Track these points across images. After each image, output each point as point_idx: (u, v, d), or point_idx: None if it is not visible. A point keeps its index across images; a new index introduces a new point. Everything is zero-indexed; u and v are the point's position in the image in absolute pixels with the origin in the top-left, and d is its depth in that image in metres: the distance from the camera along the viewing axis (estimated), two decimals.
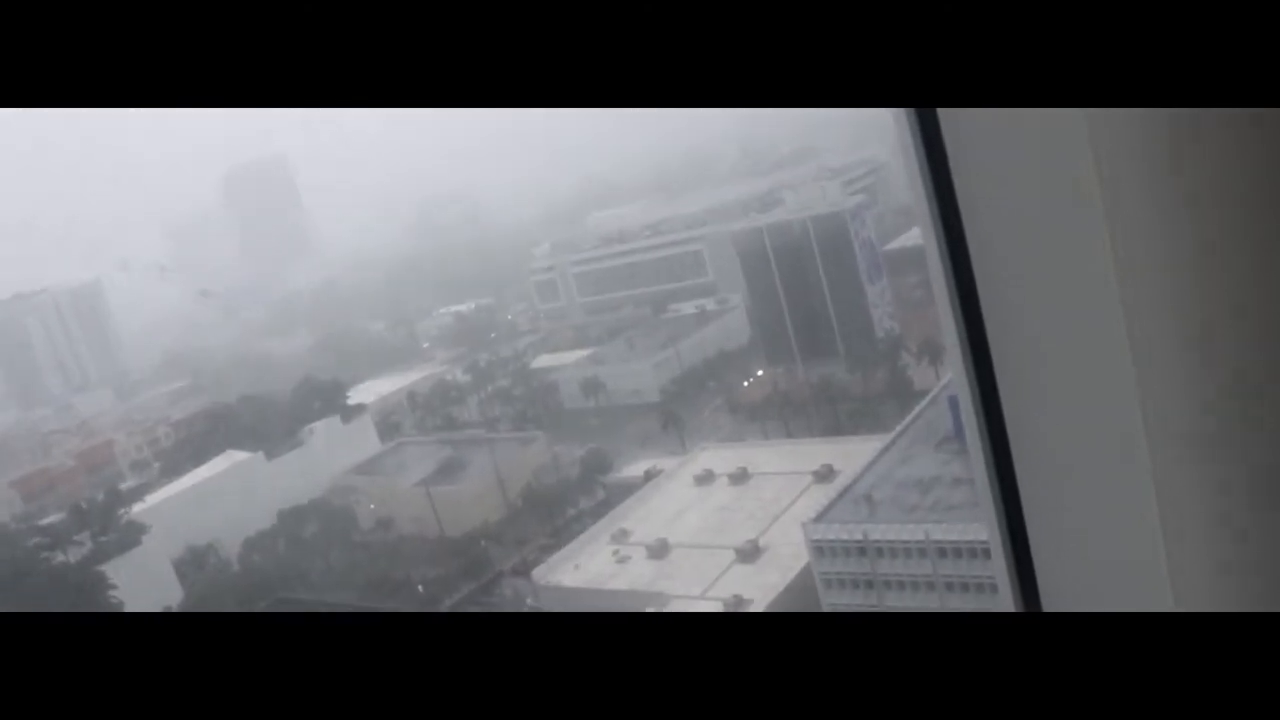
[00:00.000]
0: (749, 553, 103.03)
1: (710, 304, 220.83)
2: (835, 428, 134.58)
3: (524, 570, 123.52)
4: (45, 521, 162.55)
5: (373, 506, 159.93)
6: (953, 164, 3.85)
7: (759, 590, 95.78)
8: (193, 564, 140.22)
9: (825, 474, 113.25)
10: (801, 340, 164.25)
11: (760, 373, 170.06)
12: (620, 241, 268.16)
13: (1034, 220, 3.58)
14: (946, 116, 3.84)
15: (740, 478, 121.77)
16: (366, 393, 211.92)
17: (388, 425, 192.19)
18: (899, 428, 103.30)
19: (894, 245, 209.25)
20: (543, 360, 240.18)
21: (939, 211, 4.19)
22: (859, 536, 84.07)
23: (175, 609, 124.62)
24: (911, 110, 4.10)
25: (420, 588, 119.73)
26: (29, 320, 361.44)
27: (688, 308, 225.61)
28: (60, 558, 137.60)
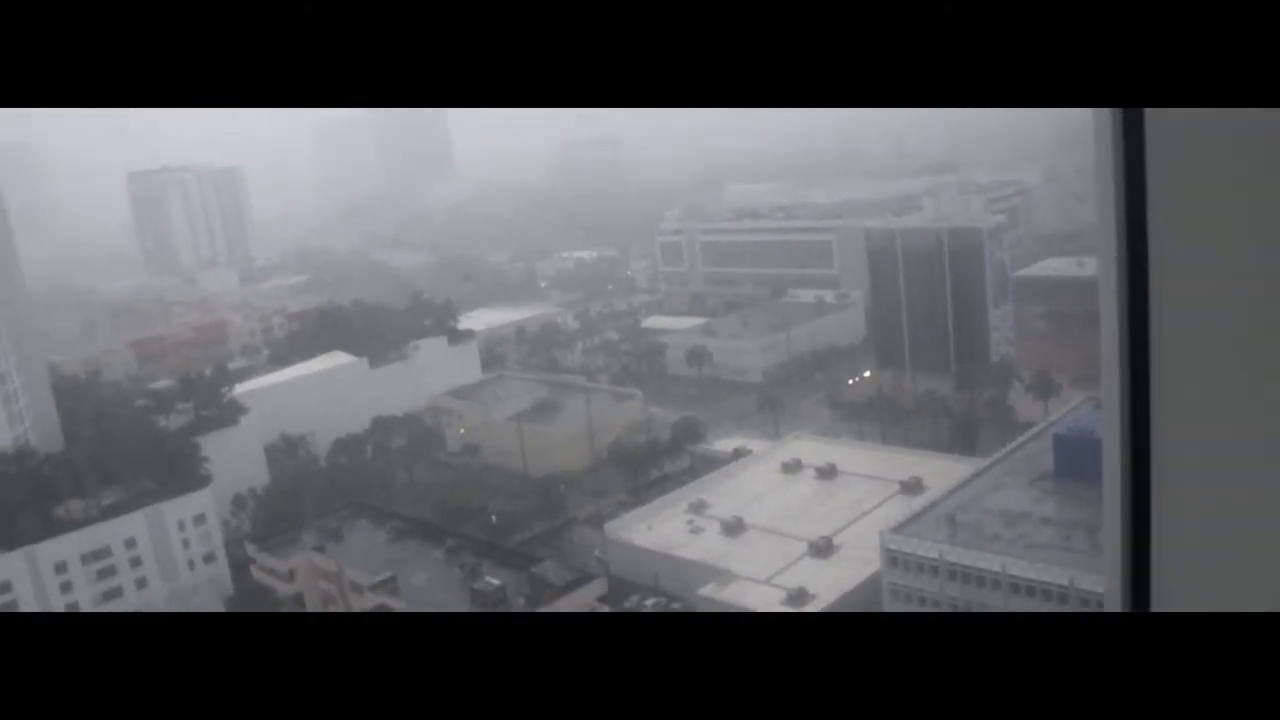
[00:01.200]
0: (822, 548, 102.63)
1: (830, 296, 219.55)
2: (932, 442, 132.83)
3: (597, 521, 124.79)
4: (155, 385, 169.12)
5: (463, 431, 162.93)
6: (1150, 178, 3.39)
7: (824, 586, 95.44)
8: (284, 452, 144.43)
9: (913, 486, 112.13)
10: (915, 349, 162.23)
11: (867, 373, 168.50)
12: (752, 218, 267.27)
13: (1232, 250, 3.14)
14: (1154, 122, 3.43)
15: (827, 473, 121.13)
16: (476, 320, 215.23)
17: (491, 356, 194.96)
18: (996, 455, 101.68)
19: (1025, 272, 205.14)
20: (654, 321, 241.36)
21: (1124, 228, 3.57)
22: (935, 555, 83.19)
23: (259, 492, 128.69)
24: (1117, 112, 3.71)
25: (494, 518, 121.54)
26: (171, 193, 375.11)
27: (807, 296, 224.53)
28: (163, 422, 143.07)
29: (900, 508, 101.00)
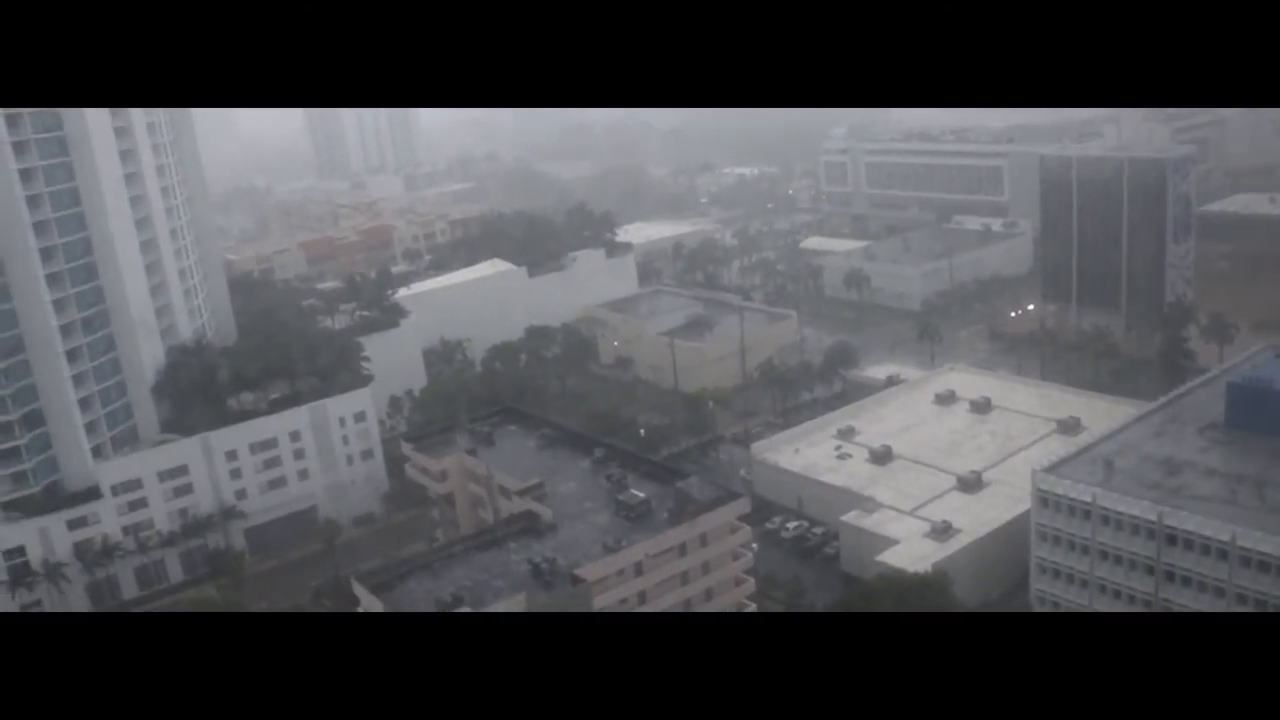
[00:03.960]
0: (970, 483, 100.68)
1: (998, 225, 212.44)
2: (1093, 382, 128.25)
3: (744, 440, 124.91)
4: (322, 285, 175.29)
5: (616, 344, 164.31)
6: None
7: (970, 521, 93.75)
8: (441, 356, 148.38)
9: (1070, 426, 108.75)
10: (1083, 284, 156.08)
11: (1031, 307, 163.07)
12: (920, 140, 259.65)
13: None
14: None
15: (982, 406, 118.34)
16: (635, 234, 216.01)
17: (649, 270, 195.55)
18: (1163, 399, 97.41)
19: (1212, 208, 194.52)
20: (813, 242, 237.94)
21: None
22: (1088, 499, 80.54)
23: (416, 393, 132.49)
24: None
25: (642, 431, 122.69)
26: None
27: (973, 223, 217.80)
28: (328, 321, 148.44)
29: (1056, 447, 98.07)
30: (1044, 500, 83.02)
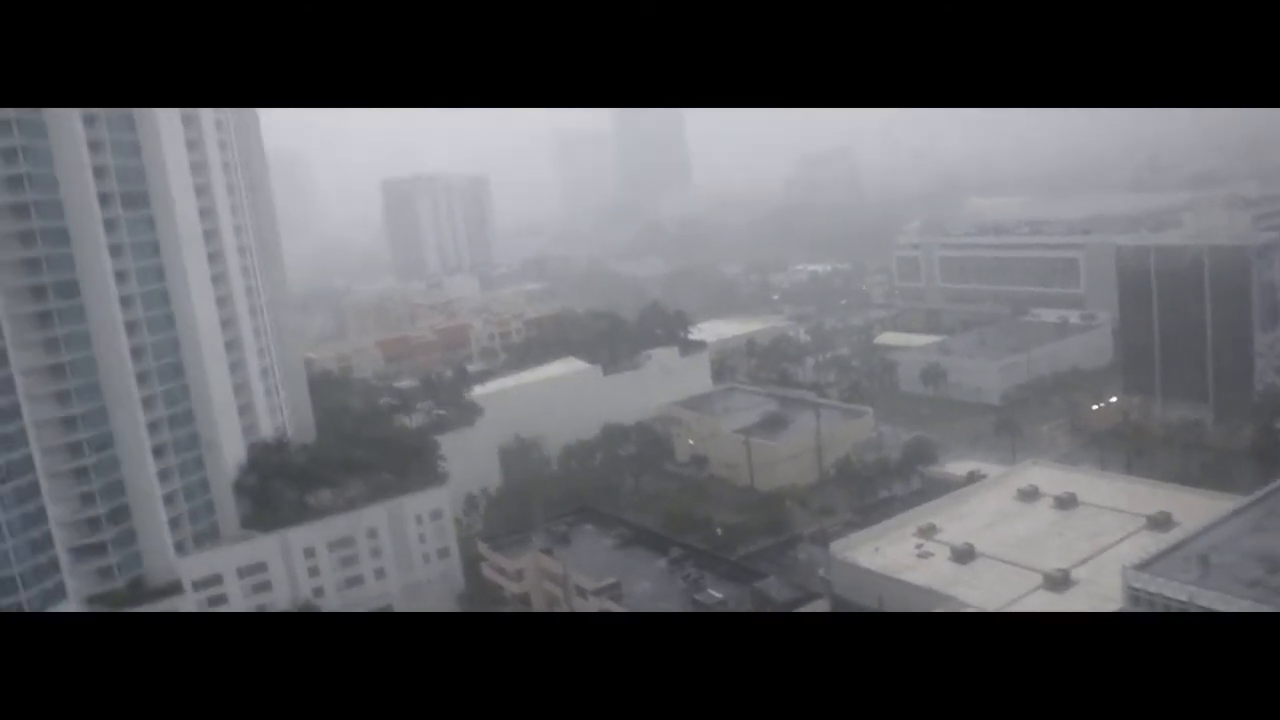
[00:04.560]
0: (1058, 581, 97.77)
1: (1075, 316, 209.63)
2: (1182, 476, 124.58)
3: (823, 539, 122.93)
4: (399, 384, 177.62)
5: (691, 442, 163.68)
6: None
7: None
8: (516, 454, 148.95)
9: (1161, 521, 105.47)
10: (1168, 375, 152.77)
11: (1114, 399, 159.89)
12: (995, 233, 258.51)
13: None
14: None
15: (1067, 502, 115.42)
16: (709, 331, 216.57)
17: (723, 367, 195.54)
18: (1259, 493, 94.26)
19: None
20: (888, 337, 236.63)
21: None
22: (1183, 598, 77.76)
23: (491, 492, 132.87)
24: None
25: (718, 530, 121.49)
26: (421, 201, 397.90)
27: (1050, 315, 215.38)
28: (405, 420, 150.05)
29: (1147, 544, 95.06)
30: (1136, 599, 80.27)
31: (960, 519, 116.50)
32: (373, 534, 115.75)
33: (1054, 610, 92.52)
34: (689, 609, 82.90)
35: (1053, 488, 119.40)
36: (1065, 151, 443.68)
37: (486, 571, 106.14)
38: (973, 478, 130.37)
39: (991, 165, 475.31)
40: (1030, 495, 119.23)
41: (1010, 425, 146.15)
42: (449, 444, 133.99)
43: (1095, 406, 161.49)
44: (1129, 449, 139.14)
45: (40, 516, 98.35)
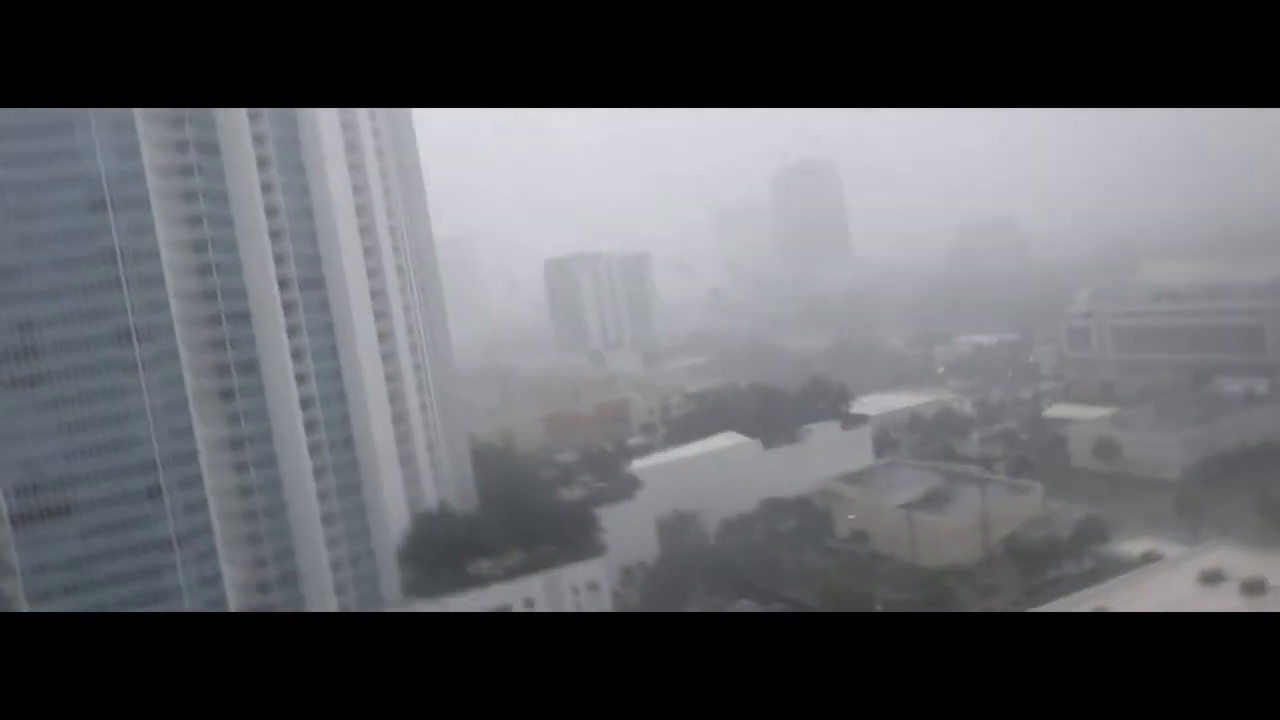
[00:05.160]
0: None
1: (1262, 386, 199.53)
2: None
3: None
4: (560, 458, 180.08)
5: (852, 517, 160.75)
6: None
7: None
8: (675, 528, 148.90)
9: None
10: None
11: None
12: (1171, 300, 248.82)
13: None
14: None
15: (1255, 588, 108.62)
16: (871, 405, 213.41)
17: (885, 441, 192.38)
18: None
19: None
20: (1058, 410, 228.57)
21: None
22: None
23: (649, 564, 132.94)
24: None
25: (879, 608, 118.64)
26: (583, 277, 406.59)
27: (1234, 385, 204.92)
28: (565, 493, 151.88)
29: None
30: None
31: (1135, 603, 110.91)
32: (530, 604, 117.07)
33: None
34: None
35: (1240, 571, 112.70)
36: (1243, 214, 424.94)
37: None
38: (1149, 558, 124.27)
39: (1167, 227, 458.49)
40: (1213, 578, 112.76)
41: (1191, 503, 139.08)
42: (608, 517, 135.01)
43: None
44: None
45: (216, 579, 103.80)
